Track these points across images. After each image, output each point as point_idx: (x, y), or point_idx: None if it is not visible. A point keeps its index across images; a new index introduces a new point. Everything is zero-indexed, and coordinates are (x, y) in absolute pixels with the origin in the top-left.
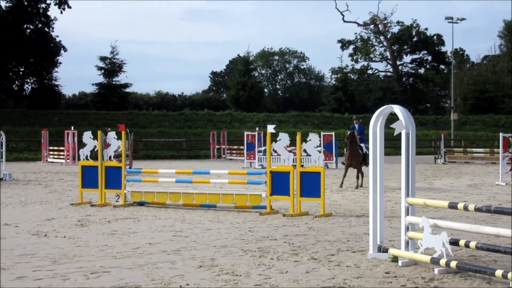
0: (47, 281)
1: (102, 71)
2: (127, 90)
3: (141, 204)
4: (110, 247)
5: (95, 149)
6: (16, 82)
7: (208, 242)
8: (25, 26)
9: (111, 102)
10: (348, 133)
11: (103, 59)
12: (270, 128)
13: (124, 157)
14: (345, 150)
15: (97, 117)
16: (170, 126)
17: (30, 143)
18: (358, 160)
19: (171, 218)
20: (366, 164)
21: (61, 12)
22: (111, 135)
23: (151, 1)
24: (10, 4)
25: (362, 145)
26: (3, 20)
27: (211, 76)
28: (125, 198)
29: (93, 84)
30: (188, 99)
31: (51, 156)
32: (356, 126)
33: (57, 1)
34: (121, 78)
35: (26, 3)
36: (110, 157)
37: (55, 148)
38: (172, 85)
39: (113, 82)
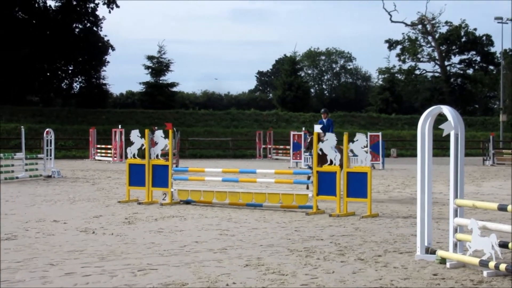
0: (95, 278)
1: (150, 70)
2: (174, 89)
3: (187, 202)
4: (157, 245)
5: (143, 148)
6: (65, 81)
7: (254, 241)
8: (74, 25)
9: (158, 101)
10: (308, 140)
11: (150, 58)
12: (317, 128)
13: (171, 155)
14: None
15: (144, 116)
16: (216, 125)
17: (78, 141)
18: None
19: (217, 216)
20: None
21: (110, 12)
22: (158, 133)
23: (197, 1)
24: (60, 4)
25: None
26: (52, 19)
27: (258, 76)
28: (171, 196)
29: (140, 83)
30: (235, 99)
31: (98, 154)
32: (325, 121)
33: (106, 1)
34: (168, 77)
35: (75, 3)
36: (157, 156)
37: (103, 146)
38: (218, 84)
39: (160, 81)
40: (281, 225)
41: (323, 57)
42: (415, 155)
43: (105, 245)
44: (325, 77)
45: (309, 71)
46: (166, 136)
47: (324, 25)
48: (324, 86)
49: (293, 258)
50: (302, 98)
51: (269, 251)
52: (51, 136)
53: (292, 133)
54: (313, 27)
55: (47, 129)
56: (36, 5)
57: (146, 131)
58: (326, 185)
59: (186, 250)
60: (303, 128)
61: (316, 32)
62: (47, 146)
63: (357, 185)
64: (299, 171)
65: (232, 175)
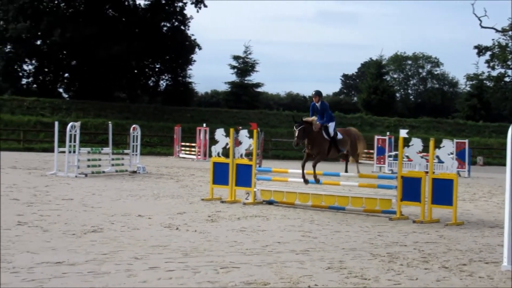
0: (178, 273)
1: (235, 70)
2: (259, 89)
3: (270, 203)
4: (240, 244)
5: (227, 146)
6: (152, 79)
7: (336, 244)
8: (162, 24)
9: (243, 101)
10: (296, 134)
11: (236, 58)
12: (403, 133)
13: (255, 155)
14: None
15: (229, 115)
16: None
17: (163, 138)
18: (322, 146)
19: (299, 218)
20: (338, 150)
21: (197, 11)
22: (243, 133)
23: (283, 1)
24: (149, 3)
25: (330, 126)
26: (141, 18)
27: (342, 79)
28: (254, 196)
29: (225, 83)
30: None
31: (183, 151)
32: (318, 105)
33: (194, 0)
34: (253, 78)
35: (163, 2)
36: (241, 155)
37: (187, 144)
38: (302, 86)
39: (245, 81)
40: (363, 229)
41: (409, 62)
42: (503, 164)
43: (188, 241)
44: (411, 82)
45: (395, 75)
46: (251, 136)
47: (411, 29)
48: (409, 91)
49: (375, 262)
50: (387, 102)
51: (352, 255)
52: (137, 132)
53: (376, 137)
54: (400, 31)
55: (133, 125)
56: (126, 3)
57: (231, 130)
58: (410, 190)
59: (268, 250)
60: (388, 133)
61: (403, 36)
62: (133, 142)
63: (443, 192)
64: (384, 176)
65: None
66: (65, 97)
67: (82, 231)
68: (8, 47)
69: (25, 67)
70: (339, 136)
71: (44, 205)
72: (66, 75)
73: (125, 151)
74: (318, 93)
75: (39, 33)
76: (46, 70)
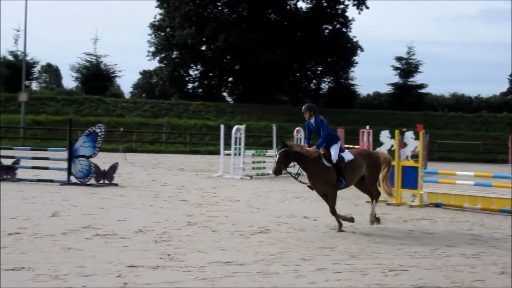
0: (346, 275)
1: (398, 71)
2: (422, 90)
3: (437, 205)
4: (407, 246)
5: (392, 148)
6: (314, 81)
7: (509, 248)
8: (323, 27)
9: (406, 103)
10: (277, 159)
11: (399, 59)
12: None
13: (421, 157)
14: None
15: (392, 117)
16: (466, 128)
17: None
18: (327, 179)
19: (468, 221)
20: (344, 179)
21: (359, 13)
22: (408, 135)
23: (445, 1)
24: (310, 6)
25: (333, 148)
26: (303, 21)
27: (510, 78)
28: (421, 198)
29: (388, 84)
30: (485, 101)
31: None
32: (312, 122)
33: (356, 2)
34: (416, 79)
35: (325, 5)
36: (407, 157)
37: (350, 146)
38: (466, 87)
39: (409, 83)
40: None
41: None
42: None
43: (355, 243)
44: None
45: None
46: (417, 138)
47: None
48: None
49: None
50: None
51: None
52: (301, 135)
53: None
54: None
55: (297, 128)
56: (288, 7)
57: (396, 132)
58: None
59: (438, 254)
60: None
61: None
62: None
63: None
64: None
65: (485, 180)
66: (229, 100)
67: (249, 232)
68: (175, 53)
69: (190, 72)
70: (348, 156)
71: (212, 206)
72: (230, 79)
73: None
74: (308, 108)
75: (203, 39)
76: (210, 74)
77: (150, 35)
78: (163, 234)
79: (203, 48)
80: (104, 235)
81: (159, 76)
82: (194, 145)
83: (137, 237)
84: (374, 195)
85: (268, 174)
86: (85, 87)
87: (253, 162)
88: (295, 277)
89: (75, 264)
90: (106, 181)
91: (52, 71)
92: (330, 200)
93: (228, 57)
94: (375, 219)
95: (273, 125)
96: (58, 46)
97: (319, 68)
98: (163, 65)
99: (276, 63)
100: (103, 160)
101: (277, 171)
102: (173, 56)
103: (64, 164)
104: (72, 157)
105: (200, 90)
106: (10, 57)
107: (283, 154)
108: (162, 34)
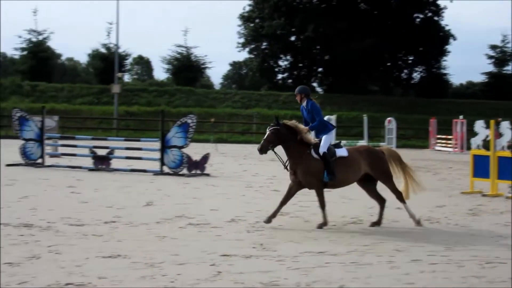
0: (441, 266)
1: (492, 60)
2: None
3: None
4: (505, 238)
5: (487, 139)
6: (405, 71)
7: None
8: (414, 16)
9: (501, 92)
10: (265, 136)
11: (493, 48)
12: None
13: None
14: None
15: (486, 106)
16: None
17: (418, 130)
18: (309, 170)
19: None
20: (330, 174)
21: (451, 1)
22: (504, 125)
23: None
24: None
25: (324, 139)
26: (393, 10)
27: None
28: None
29: (482, 73)
30: None
31: (438, 144)
32: (304, 106)
33: None
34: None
35: None
36: (503, 147)
37: (443, 136)
38: None
39: (504, 72)
40: None
41: None
42: None
43: (451, 235)
44: None
45: None
46: None
47: None
48: None
49: None
50: None
51: None
52: (392, 125)
53: None
54: None
55: (388, 118)
56: None
57: (492, 122)
58: None
59: None
60: None
61: None
62: (388, 134)
63: None
64: None
65: None
66: (319, 91)
67: (342, 222)
68: (264, 44)
69: (280, 63)
70: (341, 152)
71: (304, 196)
72: (320, 69)
73: (380, 143)
74: (301, 91)
75: (293, 29)
76: (300, 65)
77: (239, 26)
78: (255, 223)
79: (292, 38)
80: (197, 224)
81: (248, 67)
82: None
83: (230, 227)
84: (397, 197)
85: None
86: (176, 79)
87: None
88: (389, 268)
89: (170, 253)
90: (198, 171)
91: (143, 63)
92: (318, 195)
93: (318, 47)
94: (417, 222)
95: (364, 115)
96: (149, 39)
97: (410, 58)
98: (252, 56)
99: (366, 53)
100: (194, 151)
101: (262, 149)
102: (263, 47)
103: (157, 154)
104: (164, 147)
105: (289, 80)
106: (103, 50)
107: (273, 132)
108: (252, 25)
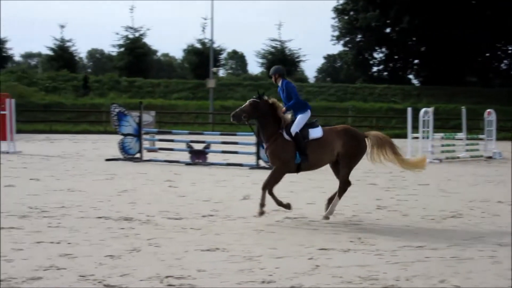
0: None
1: None
2: None
3: None
4: None
5: None
6: (504, 61)
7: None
8: None
9: None
10: (243, 106)
11: None
12: None
13: None
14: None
15: None
16: None
17: None
18: (278, 150)
19: None
20: (302, 155)
21: None
22: None
23: None
24: None
25: (299, 118)
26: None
27: None
28: None
29: None
30: None
31: None
32: (280, 85)
33: None
34: None
35: None
36: None
37: None
38: None
39: None
40: None
41: None
42: None
43: None
44: None
45: None
46: None
47: None
48: None
49: None
50: None
51: None
52: (492, 117)
53: None
54: None
55: (488, 110)
56: None
57: None
58: None
59: None
60: None
61: None
62: (488, 127)
63: None
64: None
65: None
66: (415, 83)
67: (441, 217)
68: (359, 36)
69: (375, 55)
70: (314, 134)
71: (401, 190)
72: (416, 61)
73: (480, 136)
74: (276, 70)
75: (388, 21)
76: (395, 57)
77: (333, 19)
78: (352, 217)
79: (388, 30)
80: (294, 218)
81: (343, 60)
82: (380, 129)
83: (327, 220)
84: (340, 186)
85: (458, 157)
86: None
87: (442, 146)
88: (491, 263)
89: (267, 246)
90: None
91: (237, 58)
92: (272, 174)
93: (414, 38)
94: (329, 213)
95: (462, 107)
96: (243, 33)
97: (510, 48)
98: (347, 49)
99: (464, 44)
100: None
101: (235, 116)
102: (357, 39)
103: (253, 149)
104: (260, 141)
105: (385, 73)
106: (198, 45)
107: (252, 103)
108: (346, 17)
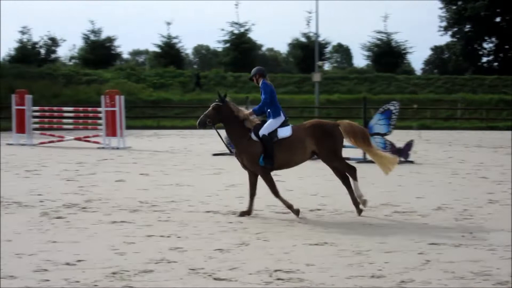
0: None
1: None
2: None
3: None
4: None
5: None
6: None
7: None
8: None
9: None
10: (207, 111)
11: None
12: None
13: None
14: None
15: None
16: None
17: None
18: (248, 153)
19: None
20: (266, 158)
21: None
22: None
23: None
24: None
25: (270, 123)
26: None
27: None
28: None
29: None
30: None
31: None
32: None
33: None
34: None
35: None
36: None
37: None
38: None
39: None
40: None
41: None
42: None
43: None
44: None
45: None
46: None
47: None
48: None
49: None
50: None
51: None
52: None
53: None
54: None
55: None
56: None
57: None
58: None
59: None
60: None
61: None
62: None
63: None
64: None
65: None
66: None
67: None
68: (467, 26)
69: (484, 45)
70: (282, 133)
71: None
72: None
73: None
74: (257, 71)
75: (497, 10)
76: (506, 47)
77: (441, 9)
78: (463, 211)
79: (498, 19)
80: (403, 212)
81: (451, 51)
82: (491, 121)
83: (437, 215)
84: (348, 174)
85: None
86: (376, 65)
87: None
88: None
89: (376, 241)
90: (402, 159)
91: (342, 51)
92: (266, 183)
93: None
94: (362, 202)
95: None
96: (348, 26)
97: None
98: (455, 40)
99: None
100: (397, 138)
101: (200, 123)
102: (466, 29)
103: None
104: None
105: (495, 63)
106: (303, 39)
107: (215, 107)
108: (454, 7)
